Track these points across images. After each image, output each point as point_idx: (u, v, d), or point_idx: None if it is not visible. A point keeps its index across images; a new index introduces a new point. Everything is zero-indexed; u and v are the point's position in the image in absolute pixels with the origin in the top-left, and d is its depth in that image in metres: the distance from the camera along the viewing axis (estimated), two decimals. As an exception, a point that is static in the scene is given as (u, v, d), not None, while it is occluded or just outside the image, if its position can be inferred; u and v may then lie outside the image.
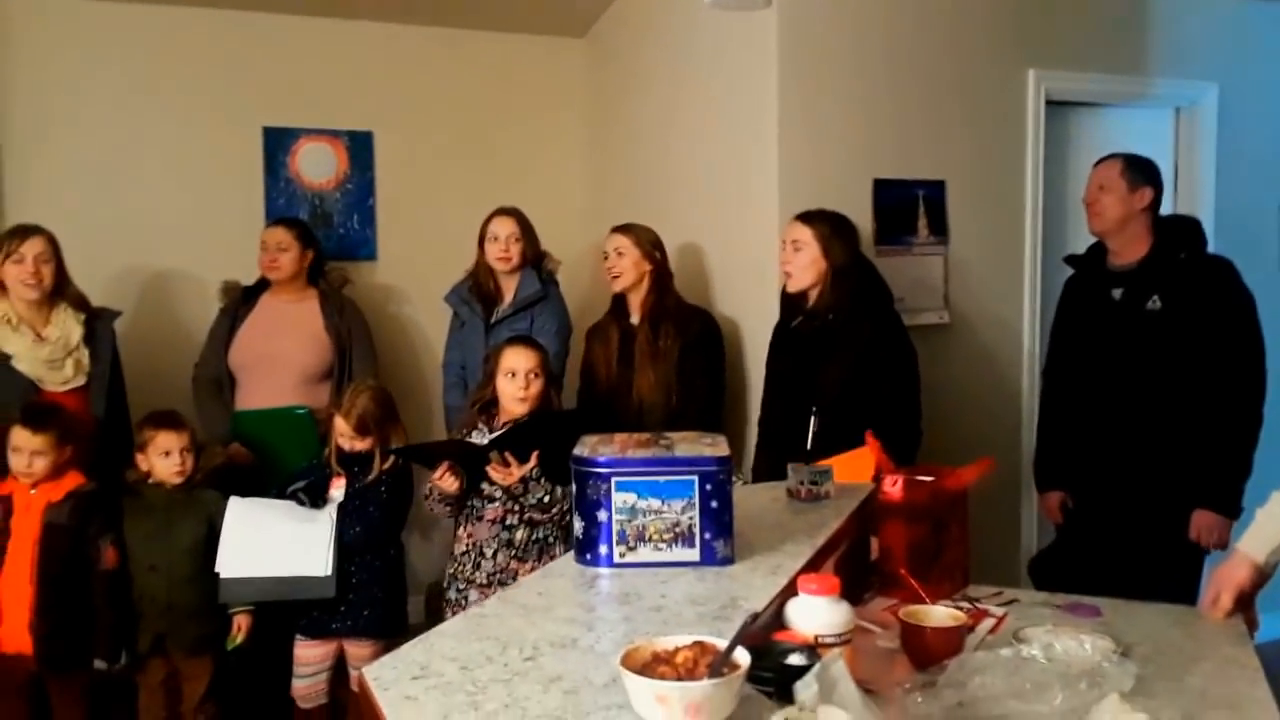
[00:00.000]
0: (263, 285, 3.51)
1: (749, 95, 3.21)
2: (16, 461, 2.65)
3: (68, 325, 2.98)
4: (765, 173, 3.13)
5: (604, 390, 3.17)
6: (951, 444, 2.86)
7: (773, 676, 1.19)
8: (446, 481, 2.62)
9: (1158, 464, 2.67)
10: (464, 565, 2.74)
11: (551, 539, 2.72)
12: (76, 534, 2.68)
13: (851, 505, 2.03)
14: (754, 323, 3.21)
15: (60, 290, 3.00)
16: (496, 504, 2.69)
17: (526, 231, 3.36)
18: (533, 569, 2.59)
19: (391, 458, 2.89)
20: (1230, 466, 2.61)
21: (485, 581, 2.70)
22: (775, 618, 1.45)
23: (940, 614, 1.66)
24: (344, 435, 2.88)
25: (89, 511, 2.71)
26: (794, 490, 2.07)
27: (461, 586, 2.74)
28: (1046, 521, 3.11)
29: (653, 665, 1.13)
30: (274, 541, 2.77)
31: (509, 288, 3.39)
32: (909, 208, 3.24)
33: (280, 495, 2.91)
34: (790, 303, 2.86)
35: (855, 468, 2.22)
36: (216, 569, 2.74)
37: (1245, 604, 1.78)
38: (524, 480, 2.64)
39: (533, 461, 2.60)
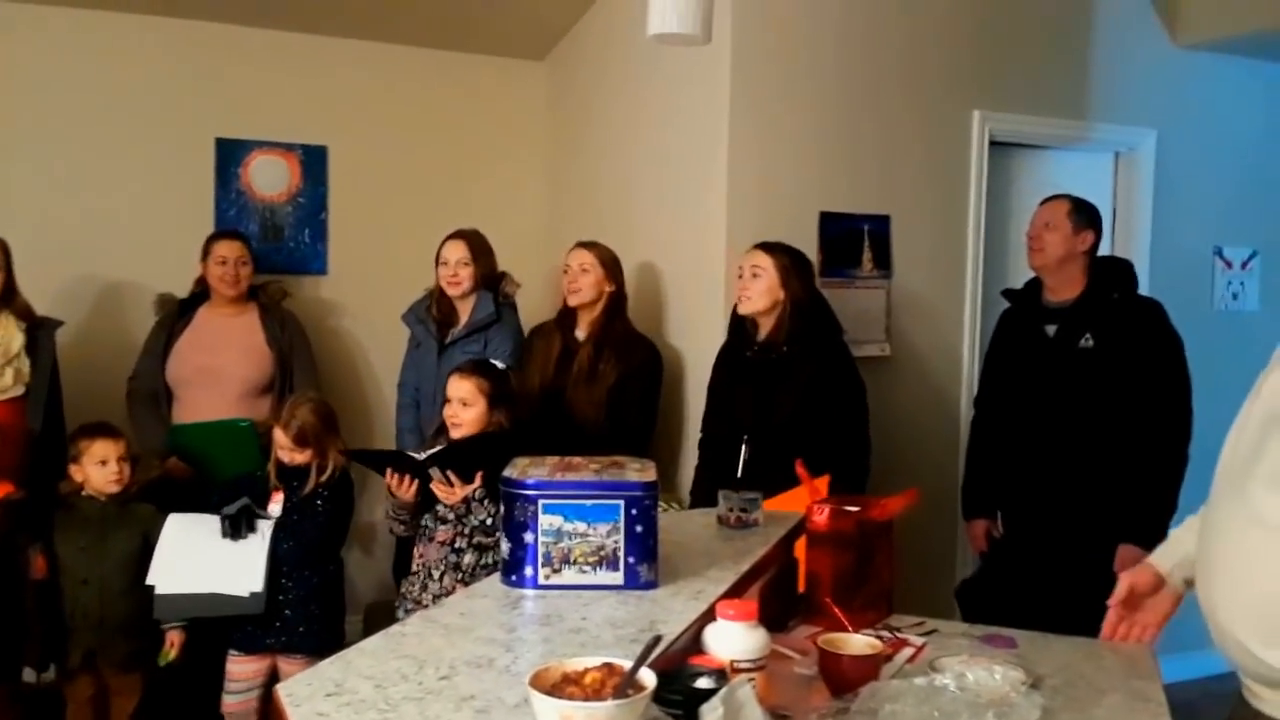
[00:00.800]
0: (199, 298, 3.49)
1: (701, 124, 3.27)
2: (-55, 468, 2.62)
3: (9, 334, 2.94)
4: (714, 201, 3.19)
5: (537, 394, 3.17)
6: (891, 474, 2.92)
7: (680, 699, 1.21)
8: (402, 488, 2.61)
9: (1084, 498, 2.74)
10: (413, 586, 2.73)
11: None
12: (6, 543, 2.65)
13: (779, 533, 2.06)
14: (699, 349, 3.25)
15: (7, 299, 2.97)
16: (448, 526, 2.68)
17: (478, 255, 3.34)
18: None
19: (329, 472, 2.88)
20: (1155, 503, 2.68)
21: (431, 604, 2.69)
22: (693, 642, 1.47)
23: (858, 642, 1.70)
24: (283, 447, 2.87)
25: (19, 521, 2.68)
26: (724, 517, 2.10)
27: (409, 607, 2.72)
28: (980, 550, 3.17)
29: (561, 686, 1.15)
30: (207, 557, 2.75)
31: (464, 309, 3.40)
32: (854, 241, 3.31)
33: (218, 509, 2.89)
34: (739, 326, 2.92)
35: (798, 505, 2.25)
36: (149, 582, 2.71)
37: (1141, 610, 1.82)
38: (467, 501, 2.64)
39: (477, 482, 2.61)
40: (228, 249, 3.44)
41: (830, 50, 3.26)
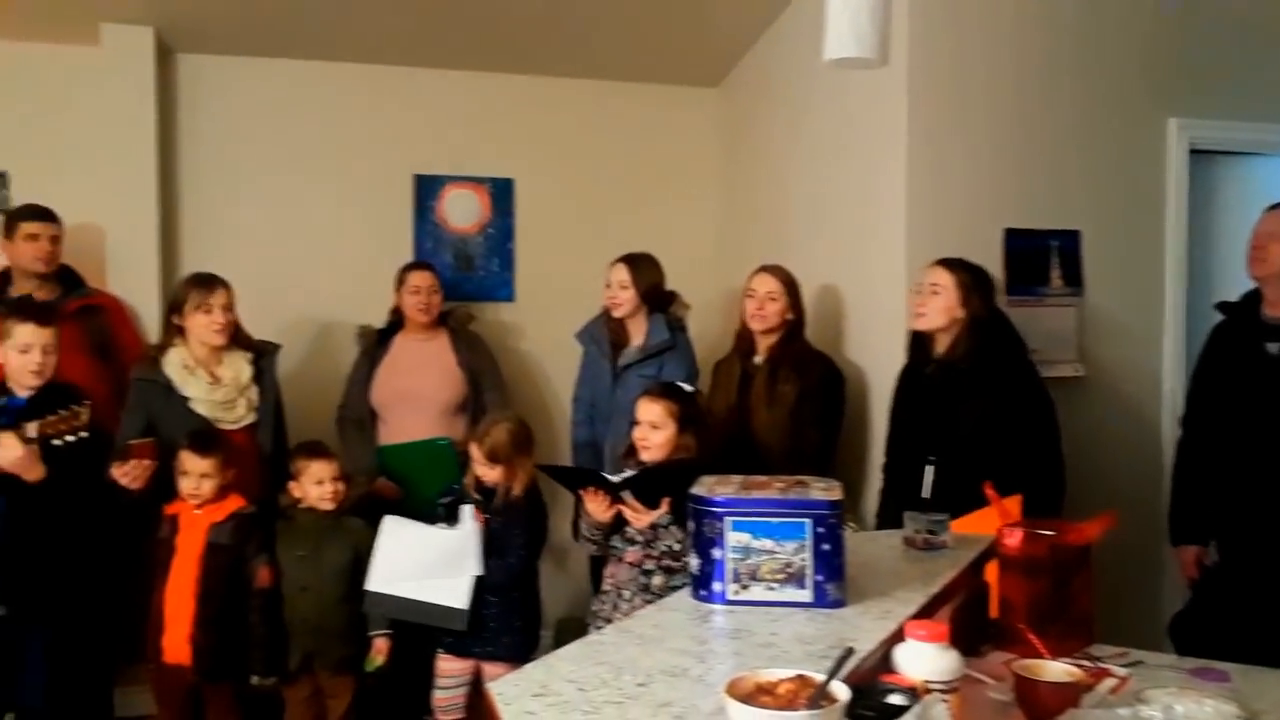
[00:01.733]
0: (394, 327, 3.72)
1: (878, 144, 3.25)
2: (185, 484, 2.88)
3: (238, 366, 3.16)
4: (893, 222, 3.16)
5: (721, 426, 3.21)
6: (1087, 498, 2.79)
7: (873, 715, 1.23)
8: (599, 508, 2.70)
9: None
10: (604, 605, 2.78)
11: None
12: (236, 553, 2.89)
13: (969, 556, 2.03)
14: (880, 370, 3.22)
15: (233, 336, 3.19)
16: (636, 548, 2.71)
17: (640, 278, 3.42)
18: None
19: (516, 491, 2.99)
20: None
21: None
22: (882, 661, 1.48)
23: (1056, 669, 1.65)
24: (478, 463, 2.99)
25: (248, 532, 2.91)
26: (910, 539, 2.08)
27: (600, 625, 2.78)
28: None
29: (755, 695, 1.18)
30: (421, 566, 2.89)
31: (635, 331, 3.49)
32: (1041, 257, 3.21)
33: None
34: (918, 345, 2.88)
35: (987, 527, 2.20)
36: (366, 585, 2.88)
37: None
38: (654, 527, 2.68)
39: (663, 508, 2.65)
40: (420, 279, 3.66)
41: (1008, 63, 3.18)
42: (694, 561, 1.74)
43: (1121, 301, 3.30)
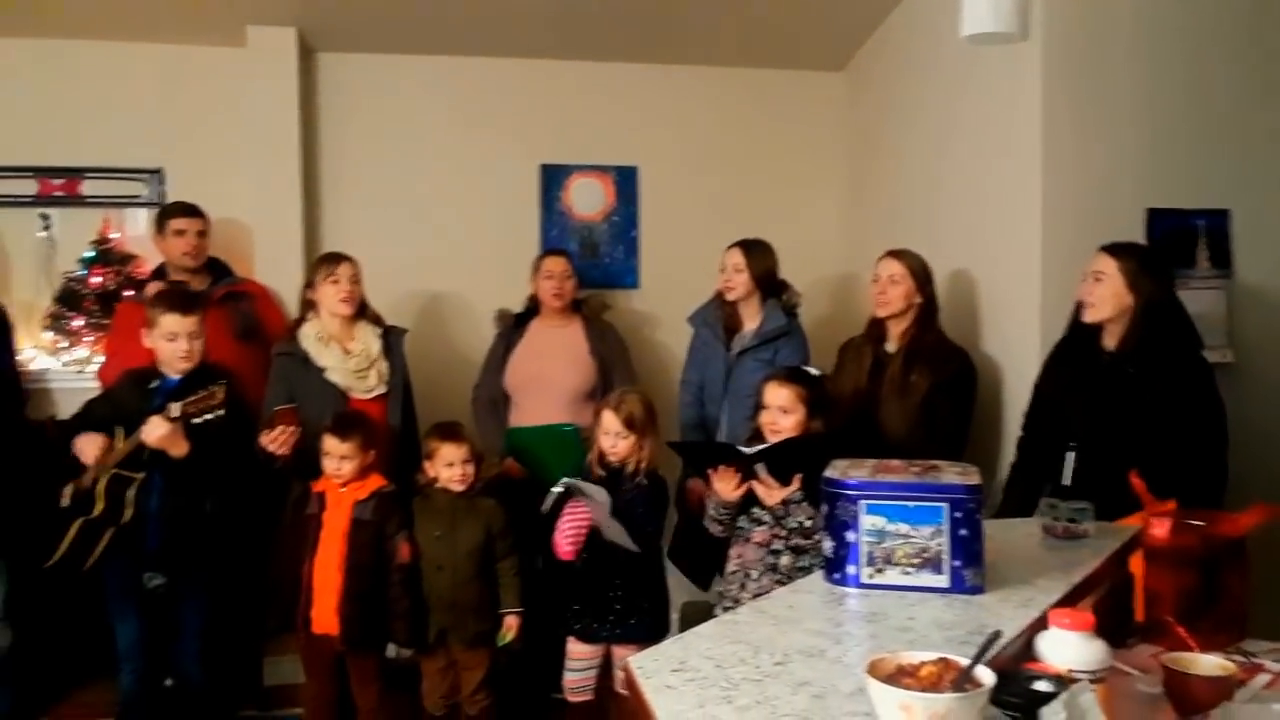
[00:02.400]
0: (531, 312, 3.81)
1: (1011, 123, 3.17)
2: (328, 464, 3.01)
3: (369, 340, 3.32)
4: (1028, 204, 3.07)
5: (848, 410, 3.18)
6: (1240, 489, 2.66)
7: (1018, 701, 1.21)
8: (726, 485, 2.71)
9: None
10: (732, 585, 2.80)
11: (818, 567, 2.74)
12: (378, 529, 3.01)
13: (1112, 546, 1.97)
14: (1012, 359, 3.15)
15: (361, 310, 3.37)
16: (764, 528, 2.73)
17: (754, 263, 3.45)
18: None
19: (646, 463, 3.01)
20: None
21: (751, 603, 2.77)
22: (1025, 649, 1.46)
23: (1207, 663, 1.59)
24: (608, 433, 3.02)
25: (389, 510, 3.03)
26: (1050, 527, 2.04)
27: (729, 605, 2.80)
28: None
29: (897, 676, 1.18)
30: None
31: (748, 316, 3.51)
32: (1186, 238, 3.07)
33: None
34: (1079, 327, 2.74)
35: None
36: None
37: None
38: (785, 503, 2.69)
39: (795, 485, 2.66)
40: (554, 264, 3.74)
41: (1150, 35, 3.04)
42: (827, 544, 1.74)
43: (1276, 283, 3.13)
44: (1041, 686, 1.24)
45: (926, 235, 3.64)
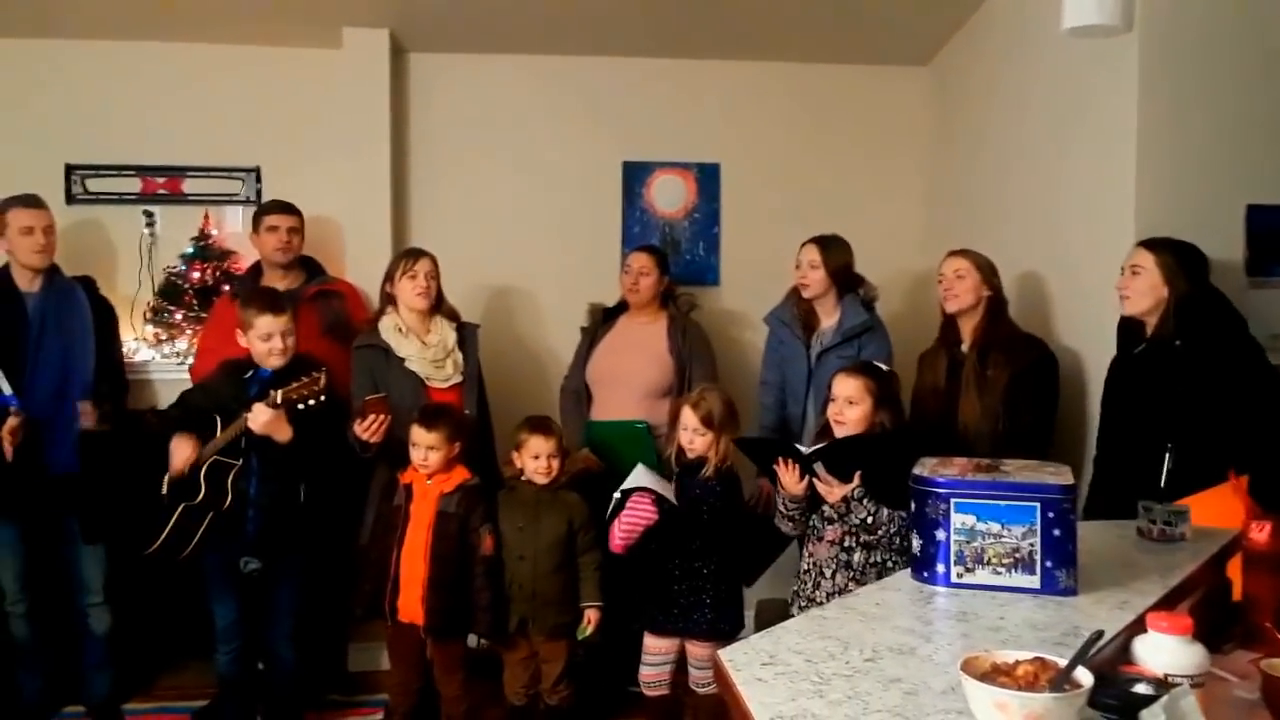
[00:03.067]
0: (621, 307, 3.85)
1: (1104, 118, 3.10)
2: (415, 455, 3.08)
3: (444, 332, 3.41)
4: (1120, 199, 3.00)
5: (932, 415, 3.16)
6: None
7: (1117, 704, 1.20)
8: (791, 479, 2.72)
9: None
10: (805, 584, 2.82)
11: (890, 564, 2.73)
12: (463, 521, 3.07)
13: (1210, 549, 1.93)
14: (1098, 355, 3.08)
15: (438, 304, 3.45)
16: (836, 525, 2.75)
17: (830, 259, 3.44)
18: None
19: (722, 460, 3.02)
20: None
21: (824, 600, 2.76)
22: (1121, 652, 1.44)
23: (1311, 670, 1.55)
24: (686, 429, 3.03)
25: (474, 502, 3.09)
26: (1144, 530, 2.00)
27: (803, 604, 2.82)
28: None
29: (991, 675, 1.18)
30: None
31: (825, 313, 3.50)
32: (1289, 236, 2.97)
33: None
34: (1127, 331, 2.78)
35: (1215, 508, 2.09)
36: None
37: None
38: (846, 500, 2.69)
39: (855, 482, 2.66)
40: (635, 260, 3.76)
41: (1251, 26, 2.94)
42: (915, 542, 1.74)
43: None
44: (1140, 689, 1.23)
45: (1008, 231, 3.59)
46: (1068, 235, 3.31)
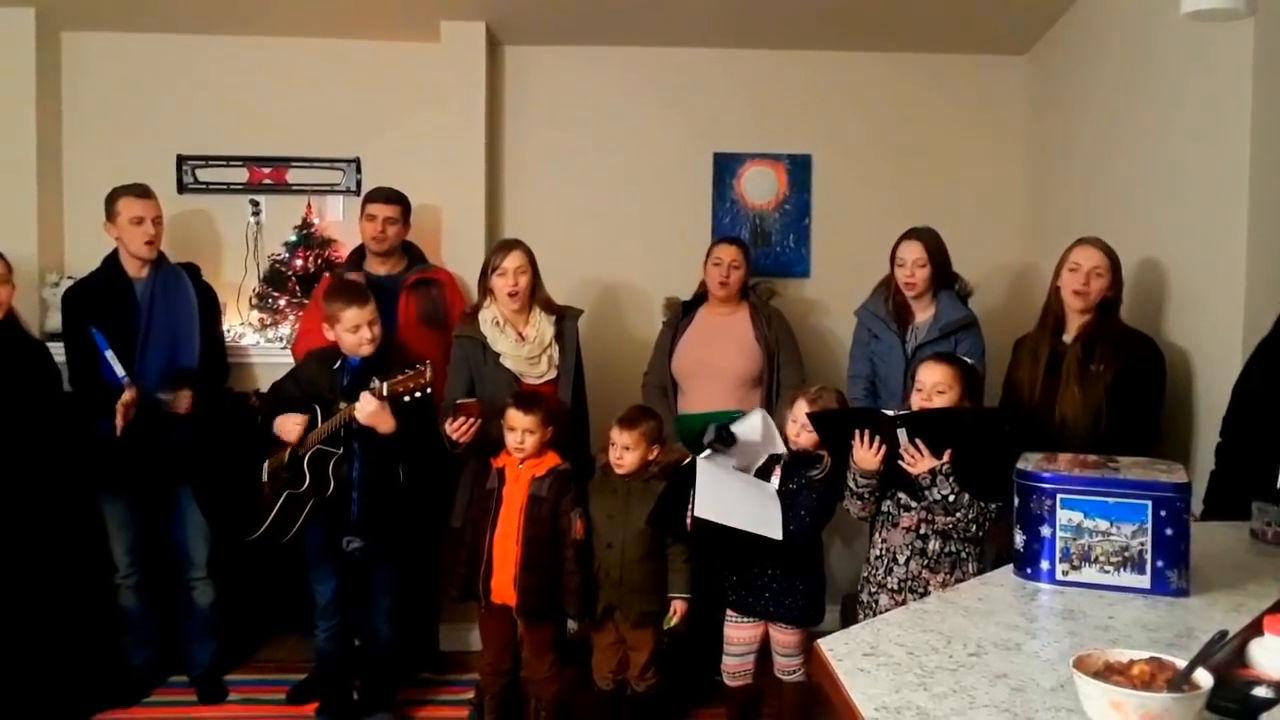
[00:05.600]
0: (700, 299, 3.84)
1: (1216, 106, 2.99)
2: (511, 438, 3.12)
3: (541, 326, 3.39)
4: (1233, 189, 2.89)
5: (1026, 404, 3.09)
6: None
7: (1235, 707, 1.17)
8: (866, 454, 2.69)
9: None
10: (876, 570, 2.81)
11: (964, 555, 2.70)
12: (554, 506, 3.11)
13: (1330, 554, 1.86)
14: (1207, 352, 2.98)
15: (535, 295, 3.43)
16: (911, 513, 2.72)
17: (934, 255, 3.39)
18: (944, 582, 2.64)
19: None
20: None
21: (896, 587, 2.75)
22: (1236, 656, 1.39)
23: None
24: (796, 420, 2.99)
25: (564, 487, 3.13)
26: (1258, 531, 1.94)
27: (873, 590, 2.81)
28: None
29: (1104, 674, 1.16)
30: (739, 498, 2.95)
31: (920, 308, 3.45)
32: None
33: None
34: None
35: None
36: (693, 512, 2.89)
37: None
38: (932, 473, 2.64)
39: (946, 457, 2.62)
40: (723, 252, 3.75)
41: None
42: (1019, 538, 1.71)
43: None
44: (1260, 693, 1.19)
45: (1111, 223, 3.47)
46: (1176, 228, 3.20)
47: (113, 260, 3.56)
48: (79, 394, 3.42)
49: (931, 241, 3.41)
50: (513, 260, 3.32)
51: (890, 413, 2.71)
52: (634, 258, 4.35)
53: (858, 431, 2.71)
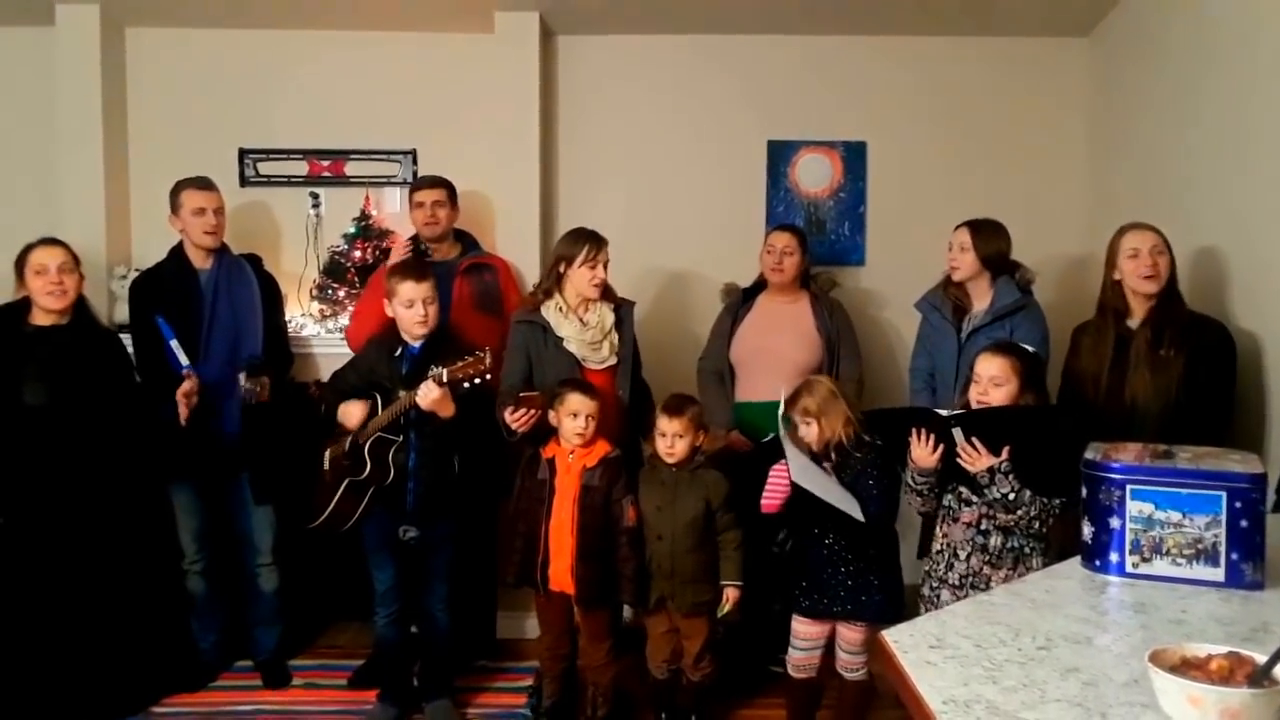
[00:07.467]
0: (759, 287, 3.83)
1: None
2: (574, 424, 3.10)
3: (603, 314, 3.40)
4: (1310, 173, 2.81)
5: (1091, 392, 3.03)
6: None
7: (1317, 705, 1.14)
8: (923, 451, 2.65)
9: None
10: (938, 564, 2.77)
11: (1028, 550, 2.65)
12: (606, 494, 3.12)
13: None
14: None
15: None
16: (973, 508, 2.68)
17: (981, 243, 3.35)
18: (1006, 577, 2.58)
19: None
20: None
21: (957, 583, 2.71)
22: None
23: None
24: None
25: (615, 475, 3.14)
26: (1338, 524, 1.88)
27: (935, 585, 2.78)
28: None
29: (1181, 669, 1.14)
30: (824, 478, 2.94)
31: (978, 296, 3.40)
32: None
33: None
34: None
35: None
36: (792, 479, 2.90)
37: None
38: (991, 471, 2.60)
39: (1004, 455, 2.57)
40: (777, 239, 3.73)
41: None
42: (1087, 529, 1.68)
43: None
44: (1344, 691, 1.16)
45: (1177, 209, 3.40)
46: (1249, 210, 3.11)
47: (178, 251, 3.63)
48: (146, 382, 3.50)
49: (981, 230, 3.37)
50: (605, 255, 3.36)
51: (944, 413, 2.65)
52: (687, 247, 4.35)
53: (914, 430, 2.68)
